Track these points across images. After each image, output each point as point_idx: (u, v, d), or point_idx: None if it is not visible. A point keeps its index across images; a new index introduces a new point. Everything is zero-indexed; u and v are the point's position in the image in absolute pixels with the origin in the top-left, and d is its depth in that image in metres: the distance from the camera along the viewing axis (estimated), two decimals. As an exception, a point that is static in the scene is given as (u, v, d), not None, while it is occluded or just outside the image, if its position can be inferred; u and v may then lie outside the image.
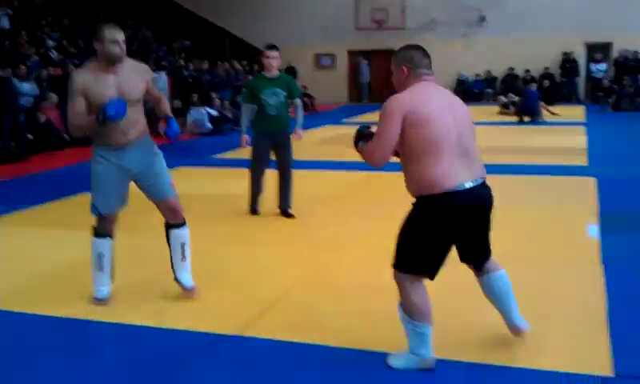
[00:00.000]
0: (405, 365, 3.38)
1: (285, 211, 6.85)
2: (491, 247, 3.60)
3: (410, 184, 3.29)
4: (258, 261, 5.36)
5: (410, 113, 3.18)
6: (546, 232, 6.04)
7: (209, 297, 4.51)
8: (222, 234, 6.23)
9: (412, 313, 3.31)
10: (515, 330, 3.63)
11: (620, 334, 3.78)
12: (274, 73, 6.66)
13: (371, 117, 18.09)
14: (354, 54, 24.38)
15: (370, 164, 3.37)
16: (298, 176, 8.81)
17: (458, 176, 3.22)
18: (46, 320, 4.19)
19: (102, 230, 4.37)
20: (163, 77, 16.27)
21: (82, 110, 4.07)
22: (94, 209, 4.30)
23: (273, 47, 6.70)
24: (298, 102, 6.90)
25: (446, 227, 3.24)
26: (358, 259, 5.37)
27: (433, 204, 3.20)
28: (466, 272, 3.69)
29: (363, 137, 3.48)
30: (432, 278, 3.36)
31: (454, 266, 3.54)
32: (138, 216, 6.97)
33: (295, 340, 3.76)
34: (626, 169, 9.17)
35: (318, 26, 24.17)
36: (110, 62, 4.07)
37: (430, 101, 3.25)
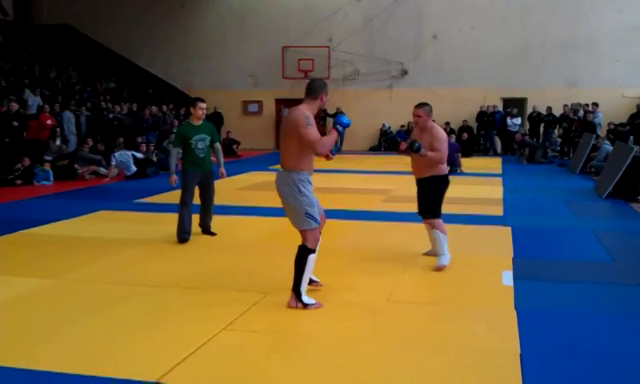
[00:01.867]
0: (445, 261, 6.54)
1: (207, 230, 8.10)
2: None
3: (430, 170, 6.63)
4: (182, 306, 5.30)
5: None
6: (465, 278, 6.24)
7: (130, 341, 4.43)
8: (145, 279, 6.12)
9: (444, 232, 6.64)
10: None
11: (533, 376, 3.95)
12: (200, 121, 7.89)
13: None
14: (280, 102, 24.66)
15: (439, 163, 6.59)
16: (222, 221, 8.86)
17: None
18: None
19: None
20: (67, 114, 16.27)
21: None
22: (315, 221, 5.25)
23: (203, 100, 7.96)
24: (218, 146, 8.19)
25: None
26: (281, 306, 5.38)
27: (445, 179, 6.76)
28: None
29: (417, 149, 6.48)
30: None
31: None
32: (51, 260, 6.85)
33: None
34: (538, 218, 9.61)
35: (245, 74, 24.40)
36: None
37: None
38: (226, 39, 24.56)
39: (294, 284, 5.22)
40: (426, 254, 7.06)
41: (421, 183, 6.86)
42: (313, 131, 5.11)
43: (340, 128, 5.41)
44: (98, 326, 4.79)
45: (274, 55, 24.07)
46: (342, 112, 6.34)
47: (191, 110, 7.96)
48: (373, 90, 23.48)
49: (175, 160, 7.91)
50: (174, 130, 18.86)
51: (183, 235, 7.72)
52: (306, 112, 5.16)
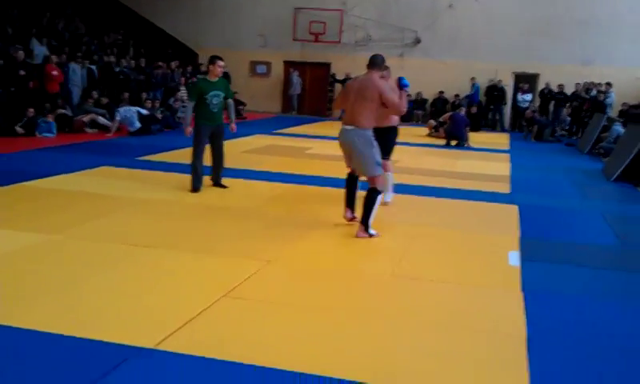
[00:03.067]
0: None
1: (217, 183, 8.60)
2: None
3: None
4: (183, 270, 5.20)
5: None
6: (470, 256, 6.12)
7: (128, 305, 4.34)
8: (146, 240, 6.01)
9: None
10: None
11: (539, 359, 3.85)
12: (216, 77, 8.31)
13: (301, 130, 18.12)
14: (289, 65, 24.36)
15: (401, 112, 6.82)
16: (226, 184, 8.75)
17: None
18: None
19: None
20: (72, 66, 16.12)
21: None
22: (382, 168, 6.54)
23: (221, 58, 8.35)
24: (231, 102, 8.65)
25: None
26: (284, 274, 5.28)
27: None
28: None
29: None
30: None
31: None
32: (51, 215, 6.75)
33: (214, 356, 3.65)
34: (545, 198, 9.47)
35: (255, 34, 24.05)
36: None
37: None
38: (237, -2, 24.20)
39: (364, 218, 6.38)
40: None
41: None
42: (395, 96, 6.44)
43: (407, 89, 6.84)
44: (97, 287, 4.69)
45: (285, 16, 23.72)
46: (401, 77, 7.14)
47: (209, 67, 8.35)
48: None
49: (191, 113, 8.33)
50: (183, 87, 18.71)
51: (197, 185, 8.24)
52: (382, 80, 6.33)
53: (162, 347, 3.74)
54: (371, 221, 6.39)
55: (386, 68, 7.02)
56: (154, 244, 5.87)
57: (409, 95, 22.68)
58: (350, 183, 6.95)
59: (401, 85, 6.83)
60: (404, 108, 6.63)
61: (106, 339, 3.77)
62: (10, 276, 4.84)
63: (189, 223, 6.81)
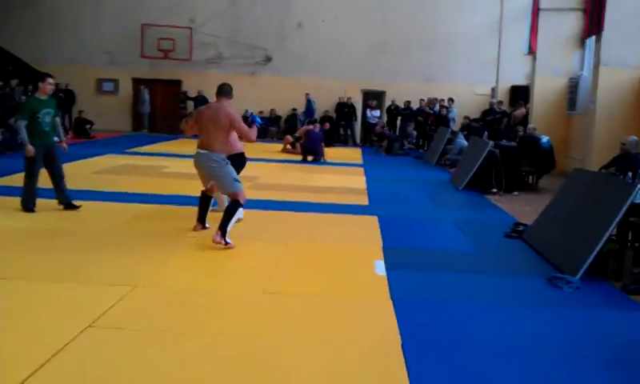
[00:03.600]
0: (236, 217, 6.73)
1: (68, 203, 8.24)
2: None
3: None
4: (41, 301, 4.79)
5: None
6: (338, 268, 6.19)
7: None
8: (3, 272, 5.49)
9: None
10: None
11: (416, 365, 3.94)
12: (46, 96, 8.15)
13: (155, 148, 17.58)
14: (138, 82, 23.59)
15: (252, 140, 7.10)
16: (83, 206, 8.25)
17: None
18: None
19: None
20: None
21: None
22: (240, 183, 6.83)
23: (51, 76, 8.30)
24: (58, 120, 8.49)
25: None
26: (152, 299, 5.03)
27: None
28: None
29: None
30: None
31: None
32: None
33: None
34: (402, 208, 9.83)
35: (101, 50, 23.08)
36: None
37: None
38: (80, 12, 23.07)
39: (223, 223, 6.55)
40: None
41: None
42: (245, 125, 6.89)
43: (258, 125, 7.29)
44: None
45: (132, 32, 22.97)
46: (252, 117, 7.99)
47: (40, 84, 8.17)
48: (236, 75, 22.95)
49: (24, 131, 7.94)
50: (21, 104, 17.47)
51: (28, 205, 7.97)
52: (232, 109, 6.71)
53: (24, 387, 3.41)
54: (229, 228, 6.55)
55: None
56: (5, 275, 5.37)
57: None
58: (203, 201, 7.38)
59: (253, 121, 7.32)
60: (254, 137, 7.00)
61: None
62: None
63: (40, 251, 6.29)
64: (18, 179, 10.42)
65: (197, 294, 5.21)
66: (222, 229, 6.55)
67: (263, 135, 22.87)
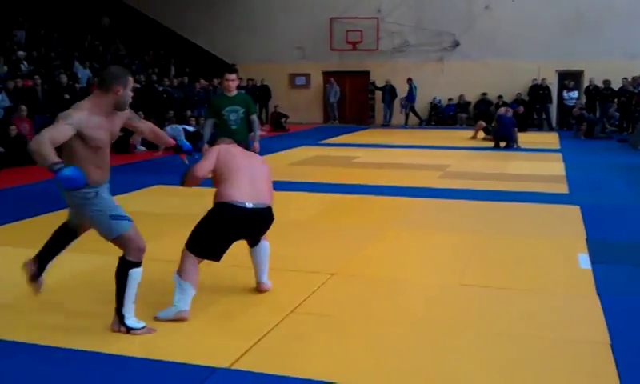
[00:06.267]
0: (166, 315, 4.29)
1: None
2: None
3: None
4: (247, 288, 5.11)
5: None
6: (538, 261, 5.91)
7: (198, 326, 4.27)
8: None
9: (185, 275, 4.33)
10: (261, 286, 4.91)
11: (628, 368, 3.65)
12: (233, 92, 7.65)
13: (345, 139, 18.03)
14: (328, 75, 24.31)
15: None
16: (275, 197, 8.57)
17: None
18: (22, 347, 3.90)
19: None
20: None
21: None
22: (126, 219, 4.25)
23: (232, 70, 7.80)
24: (254, 118, 7.85)
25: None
26: (346, 287, 5.16)
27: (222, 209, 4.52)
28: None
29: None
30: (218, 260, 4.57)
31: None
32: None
33: (286, 374, 3.55)
34: (606, 197, 9.16)
35: (293, 46, 24.07)
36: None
37: None
38: (272, 11, 24.21)
39: (117, 304, 4.10)
40: None
41: None
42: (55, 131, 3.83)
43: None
44: (157, 308, 4.62)
45: (321, 27, 23.68)
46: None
47: (223, 82, 7.92)
48: (423, 63, 22.93)
49: (209, 130, 7.84)
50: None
51: None
52: (69, 112, 3.96)
53: (236, 366, 3.66)
54: (128, 309, 4.13)
55: None
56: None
57: (439, 106, 22.07)
58: (60, 234, 4.64)
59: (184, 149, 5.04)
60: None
61: (179, 360, 3.71)
62: (70, 299, 4.81)
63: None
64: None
65: (392, 283, 5.25)
66: (118, 312, 4.11)
67: (452, 122, 22.55)
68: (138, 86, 17.58)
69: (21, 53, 16.43)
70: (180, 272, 4.37)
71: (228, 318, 4.46)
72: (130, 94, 4.11)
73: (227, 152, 4.78)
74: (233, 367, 3.65)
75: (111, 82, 4.02)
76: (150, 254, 6.18)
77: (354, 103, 24.40)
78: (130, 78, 4.10)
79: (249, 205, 4.47)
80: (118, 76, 4.06)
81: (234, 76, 7.68)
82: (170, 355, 3.78)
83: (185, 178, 4.80)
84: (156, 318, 4.29)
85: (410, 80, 22.46)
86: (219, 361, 3.70)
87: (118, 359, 3.76)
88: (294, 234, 6.86)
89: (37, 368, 3.67)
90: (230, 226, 4.47)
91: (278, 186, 9.10)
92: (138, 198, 8.75)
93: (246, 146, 7.42)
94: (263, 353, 3.87)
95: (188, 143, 5.06)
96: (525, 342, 4.07)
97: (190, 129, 15.02)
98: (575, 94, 21.26)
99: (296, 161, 13.01)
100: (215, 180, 4.69)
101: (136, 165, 12.62)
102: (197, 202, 8.46)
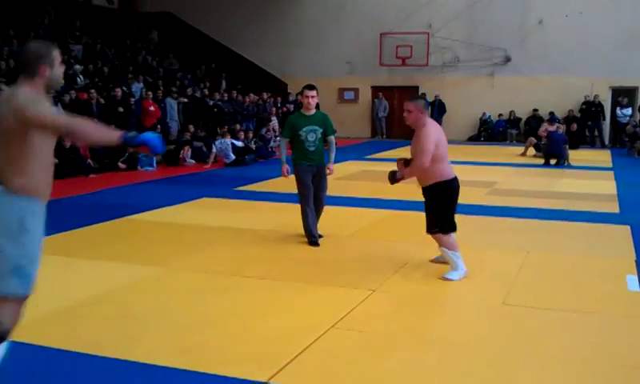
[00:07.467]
0: (457, 276, 5.67)
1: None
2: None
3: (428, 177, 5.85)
4: (291, 301, 5.16)
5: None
6: (585, 282, 5.79)
7: (234, 336, 4.33)
8: (249, 270, 6.03)
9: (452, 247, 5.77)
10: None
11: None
12: (312, 111, 7.11)
13: (392, 154, 17.95)
14: (376, 90, 24.31)
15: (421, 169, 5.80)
16: (325, 211, 8.68)
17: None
18: (68, 355, 4.03)
19: None
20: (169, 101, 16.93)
21: None
22: (29, 284, 3.34)
23: (311, 87, 7.12)
24: (332, 139, 7.30)
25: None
26: (393, 304, 5.15)
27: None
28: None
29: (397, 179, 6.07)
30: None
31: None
32: (156, 247, 6.88)
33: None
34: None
35: (342, 60, 24.17)
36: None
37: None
38: (322, 26, 24.37)
39: None
40: (434, 261, 6.24)
41: (424, 192, 6.01)
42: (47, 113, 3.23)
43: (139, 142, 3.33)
44: (202, 318, 4.71)
45: (371, 42, 23.72)
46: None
47: (301, 99, 7.29)
48: (473, 77, 22.72)
49: (284, 150, 7.38)
50: (274, 117, 19.05)
51: (311, 239, 7.03)
52: (31, 91, 3.26)
53: (275, 380, 3.69)
54: None
55: None
56: (257, 274, 5.88)
57: (489, 121, 21.87)
58: None
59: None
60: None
61: (216, 372, 3.76)
62: (116, 308, 4.93)
63: (289, 254, 6.77)
64: (271, 184, 11.40)
65: (434, 301, 5.22)
66: None
67: (502, 138, 22.24)
68: (187, 101, 17.98)
69: (77, 66, 16.94)
70: (448, 247, 5.74)
71: (269, 330, 4.50)
72: (61, 69, 3.43)
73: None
74: (271, 381, 3.69)
75: (36, 64, 3.30)
76: (193, 265, 6.30)
77: (403, 118, 24.24)
78: (56, 51, 3.38)
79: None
80: (40, 54, 3.32)
81: (313, 92, 7.08)
82: (208, 367, 3.84)
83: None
84: (445, 278, 5.65)
85: (437, 95, 22.47)
86: (258, 375, 3.74)
87: (147, 368, 3.83)
88: (335, 249, 6.88)
89: (74, 371, 3.78)
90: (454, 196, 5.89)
91: (326, 200, 9.19)
92: (184, 210, 8.92)
93: (322, 167, 7.17)
94: (301, 367, 3.89)
95: (146, 136, 3.34)
96: (569, 364, 3.99)
97: (238, 144, 15.22)
98: (629, 111, 20.76)
99: (342, 175, 13.04)
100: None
101: (185, 177, 12.86)
102: (239, 216, 8.62)
